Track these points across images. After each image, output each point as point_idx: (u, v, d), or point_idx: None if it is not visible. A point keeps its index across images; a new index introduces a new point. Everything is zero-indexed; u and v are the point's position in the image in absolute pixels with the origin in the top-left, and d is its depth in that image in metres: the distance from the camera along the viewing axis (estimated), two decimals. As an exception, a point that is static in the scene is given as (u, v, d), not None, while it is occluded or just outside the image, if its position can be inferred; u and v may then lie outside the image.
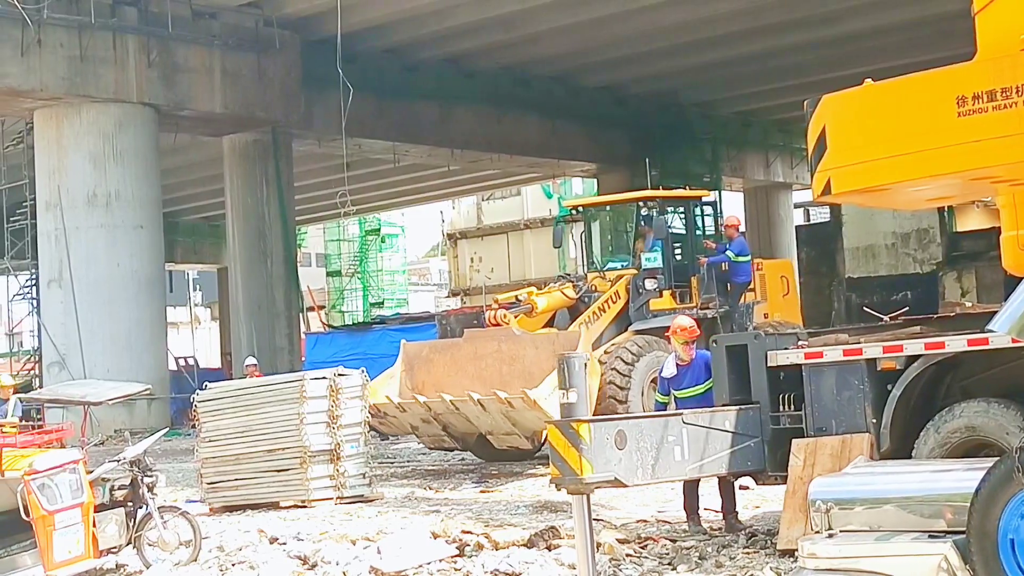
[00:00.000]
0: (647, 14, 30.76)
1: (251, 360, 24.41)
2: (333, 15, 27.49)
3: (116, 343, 28.01)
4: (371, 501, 15.08)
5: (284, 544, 11.88)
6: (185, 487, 17.47)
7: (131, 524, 11.31)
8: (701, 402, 11.26)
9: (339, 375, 15.43)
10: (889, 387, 9.84)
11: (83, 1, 27.44)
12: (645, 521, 12.23)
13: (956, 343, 9.49)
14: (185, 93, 29.61)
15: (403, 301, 60.82)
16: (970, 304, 25.78)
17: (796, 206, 48.39)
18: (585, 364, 8.66)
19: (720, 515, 11.63)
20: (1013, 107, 8.83)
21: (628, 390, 17.57)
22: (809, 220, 49.13)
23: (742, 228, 21.24)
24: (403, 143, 36.35)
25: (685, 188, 23.03)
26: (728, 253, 19.54)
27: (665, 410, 11.60)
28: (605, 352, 18.03)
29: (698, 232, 20.57)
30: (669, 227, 20.01)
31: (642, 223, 19.85)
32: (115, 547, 11.21)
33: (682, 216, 20.30)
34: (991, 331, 8.13)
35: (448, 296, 56.36)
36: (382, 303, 58.11)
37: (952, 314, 12.43)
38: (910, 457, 9.63)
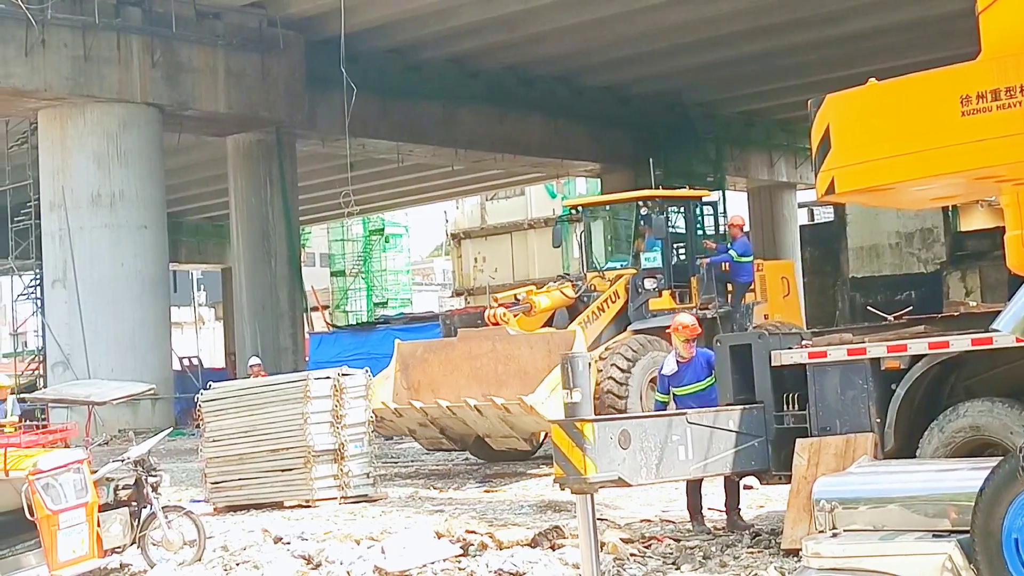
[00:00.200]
0: (650, 14, 30.76)
1: (255, 360, 24.42)
2: (337, 15, 27.50)
3: (120, 343, 28.03)
4: (375, 501, 15.08)
5: (288, 544, 11.89)
6: (189, 487, 17.48)
7: (135, 524, 11.32)
8: (702, 399, 11.29)
9: (343, 375, 15.43)
10: (893, 387, 9.85)
11: (87, 1, 27.46)
12: (649, 521, 12.23)
13: (960, 343, 9.48)
14: (189, 93, 29.65)
15: (407, 301, 60.88)
16: (974, 303, 25.72)
17: (800, 206, 48.35)
18: (589, 364, 8.67)
19: (723, 513, 11.64)
20: (1017, 106, 8.82)
21: (626, 385, 17.52)
22: (813, 220, 49.06)
23: (747, 228, 21.15)
24: (407, 143, 36.36)
25: (686, 188, 22.97)
26: (731, 253, 19.50)
27: (665, 409, 11.62)
28: (601, 355, 17.95)
29: (699, 232, 20.53)
30: (672, 227, 20.00)
31: (642, 223, 19.78)
32: (119, 547, 11.22)
33: (683, 216, 20.26)
34: (995, 330, 8.14)
35: (452, 296, 56.37)
36: (386, 303, 58.19)
37: (956, 313, 12.39)
38: (914, 456, 9.63)
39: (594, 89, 38.26)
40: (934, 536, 7.54)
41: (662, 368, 12.08)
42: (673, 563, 10.04)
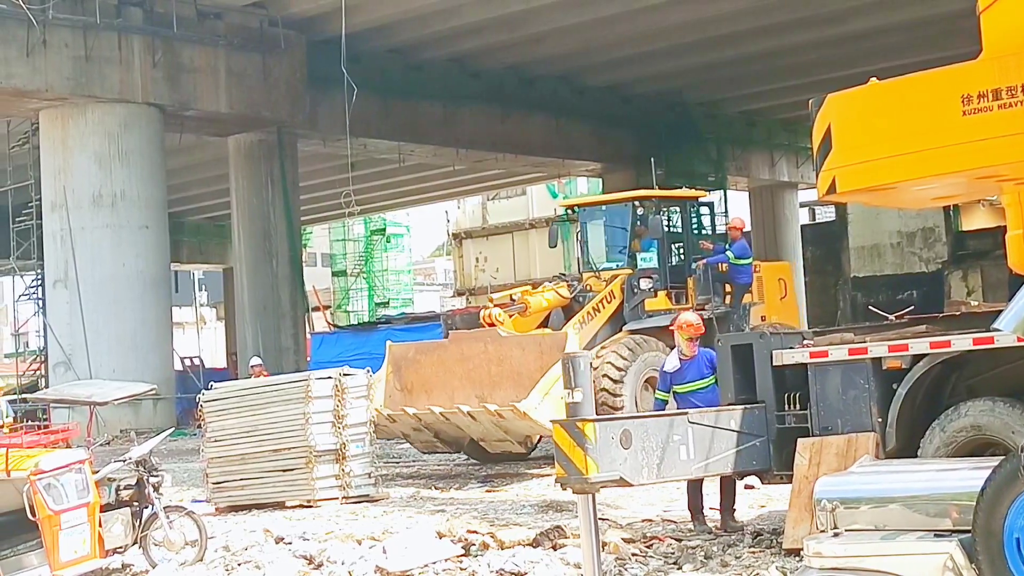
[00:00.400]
0: (652, 13, 30.76)
1: (256, 360, 24.41)
2: (338, 15, 27.49)
3: (122, 343, 28.04)
4: (376, 501, 15.08)
5: (290, 544, 11.89)
6: (191, 487, 17.48)
7: (137, 524, 11.32)
8: (704, 397, 11.29)
9: (344, 375, 15.42)
10: (895, 386, 9.85)
11: (88, 1, 27.48)
12: (650, 520, 12.23)
13: (961, 342, 9.48)
14: (190, 93, 29.66)
15: (408, 301, 60.92)
16: (976, 303, 25.71)
17: (801, 205, 48.35)
18: (591, 364, 8.67)
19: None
20: (1018, 105, 8.81)
21: (622, 383, 17.47)
22: (814, 219, 49.02)
23: (747, 229, 21.09)
24: (408, 143, 36.37)
25: (682, 188, 22.94)
26: (728, 254, 19.45)
27: (665, 407, 11.63)
28: (597, 354, 17.90)
29: (696, 232, 20.48)
30: (672, 227, 19.98)
31: (638, 223, 19.71)
32: (121, 547, 11.23)
33: (679, 216, 20.21)
34: (996, 330, 8.14)
35: (453, 296, 56.39)
36: (387, 303, 58.21)
37: (957, 313, 12.38)
38: (916, 456, 9.63)
39: (595, 89, 38.26)
40: (936, 536, 7.54)
41: (664, 365, 12.09)
42: (675, 563, 10.04)
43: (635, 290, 19.07)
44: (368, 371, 15.97)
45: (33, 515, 10.36)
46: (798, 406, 10.28)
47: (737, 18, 31.42)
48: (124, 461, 11.57)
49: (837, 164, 9.82)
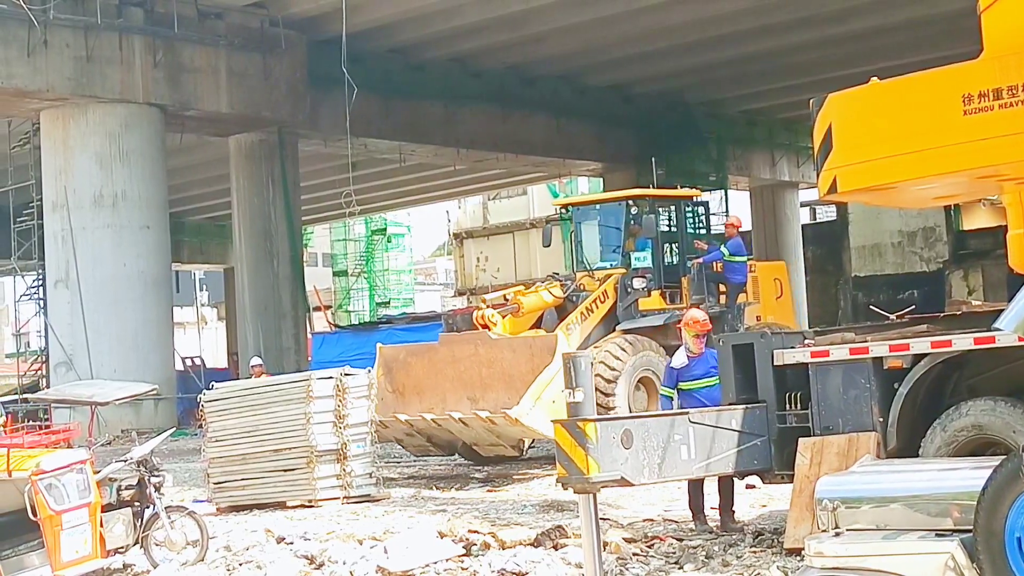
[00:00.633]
0: (653, 13, 30.76)
1: (256, 360, 24.39)
2: (339, 15, 27.50)
3: (123, 343, 28.04)
4: (378, 501, 15.09)
5: (291, 544, 11.90)
6: (192, 487, 17.49)
7: (138, 524, 11.33)
8: (712, 394, 11.28)
9: (345, 375, 15.43)
10: (896, 386, 9.84)
11: (89, 2, 27.47)
12: (652, 520, 12.23)
13: (962, 341, 9.48)
14: (191, 93, 29.66)
15: (409, 301, 60.93)
16: (976, 302, 25.73)
17: (802, 205, 48.34)
18: (591, 364, 8.67)
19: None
20: (1019, 105, 8.82)
21: (615, 383, 17.43)
22: (815, 219, 49.09)
23: (743, 228, 21.09)
24: (409, 143, 36.37)
25: (677, 187, 22.90)
26: (723, 250, 19.41)
27: (671, 404, 11.64)
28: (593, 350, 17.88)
29: (690, 232, 20.42)
30: (672, 227, 19.94)
31: (632, 222, 19.65)
32: (122, 547, 11.23)
33: (674, 215, 20.15)
34: (997, 329, 8.14)
35: (454, 296, 56.38)
36: (388, 303, 58.23)
37: (958, 312, 12.37)
38: (917, 455, 9.63)
39: (596, 88, 38.26)
40: (937, 535, 7.55)
41: (671, 362, 12.08)
42: (676, 562, 10.05)
43: (629, 290, 18.99)
44: (369, 371, 16.00)
45: (34, 515, 10.36)
46: (799, 406, 10.27)
47: (738, 18, 31.42)
48: (125, 461, 11.57)
49: (838, 164, 9.83)
